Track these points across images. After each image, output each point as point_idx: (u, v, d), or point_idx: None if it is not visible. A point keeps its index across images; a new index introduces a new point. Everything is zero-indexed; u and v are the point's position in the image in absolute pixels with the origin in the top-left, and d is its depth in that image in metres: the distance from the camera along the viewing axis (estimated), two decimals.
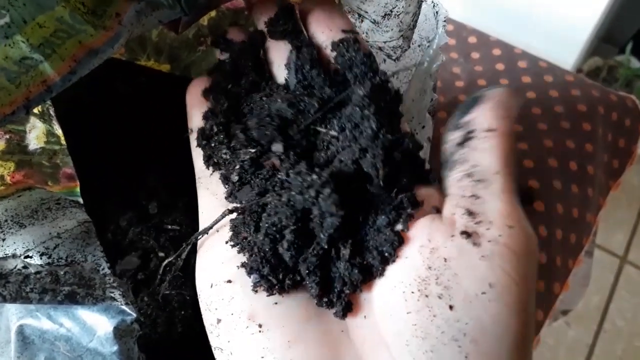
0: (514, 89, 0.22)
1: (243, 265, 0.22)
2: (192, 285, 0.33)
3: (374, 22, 0.30)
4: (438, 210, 0.21)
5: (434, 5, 0.32)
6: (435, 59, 0.33)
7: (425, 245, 0.20)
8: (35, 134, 0.30)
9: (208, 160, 0.25)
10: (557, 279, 0.52)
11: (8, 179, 0.28)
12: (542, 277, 0.50)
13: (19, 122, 0.30)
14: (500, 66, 0.62)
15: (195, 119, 0.27)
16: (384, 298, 0.20)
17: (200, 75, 0.29)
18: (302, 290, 0.22)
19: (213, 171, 0.25)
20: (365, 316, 0.21)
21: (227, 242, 0.23)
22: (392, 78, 0.24)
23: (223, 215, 0.23)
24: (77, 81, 0.22)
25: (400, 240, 0.20)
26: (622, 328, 1.13)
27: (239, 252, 0.22)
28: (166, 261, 0.26)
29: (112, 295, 0.24)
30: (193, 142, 0.27)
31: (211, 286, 0.22)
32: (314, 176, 0.21)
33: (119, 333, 0.24)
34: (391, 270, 0.20)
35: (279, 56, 0.27)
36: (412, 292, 0.19)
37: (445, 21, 0.32)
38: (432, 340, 0.18)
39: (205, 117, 0.26)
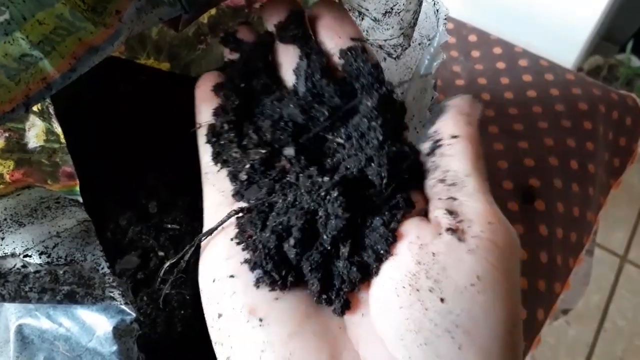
0: (472, 96, 0.24)
1: (246, 261, 0.22)
2: (192, 285, 0.33)
3: (375, 19, 0.30)
4: (425, 213, 0.22)
5: (434, 3, 0.32)
6: (435, 57, 0.33)
7: (414, 242, 0.20)
8: (35, 132, 0.30)
9: (217, 157, 0.26)
10: (558, 278, 0.52)
11: (7, 177, 0.28)
12: (543, 276, 0.50)
13: (19, 120, 0.30)
14: (500, 65, 0.62)
15: (204, 114, 0.27)
16: (377, 295, 0.21)
17: (199, 73, 0.29)
18: (302, 287, 0.22)
19: (221, 168, 0.26)
20: (362, 314, 0.21)
21: (232, 240, 0.23)
22: (397, 88, 0.25)
23: (229, 216, 0.23)
24: (76, 79, 0.22)
25: (393, 238, 0.21)
26: (622, 327, 1.13)
27: (243, 249, 0.22)
28: (168, 262, 0.26)
29: (111, 294, 0.24)
30: (201, 137, 0.27)
31: (213, 281, 0.22)
32: (326, 178, 0.22)
33: (119, 333, 0.24)
34: (383, 267, 0.21)
35: (288, 60, 0.27)
36: (404, 287, 0.19)
37: (445, 19, 0.32)
38: (426, 333, 0.19)
39: (216, 113, 0.26)
